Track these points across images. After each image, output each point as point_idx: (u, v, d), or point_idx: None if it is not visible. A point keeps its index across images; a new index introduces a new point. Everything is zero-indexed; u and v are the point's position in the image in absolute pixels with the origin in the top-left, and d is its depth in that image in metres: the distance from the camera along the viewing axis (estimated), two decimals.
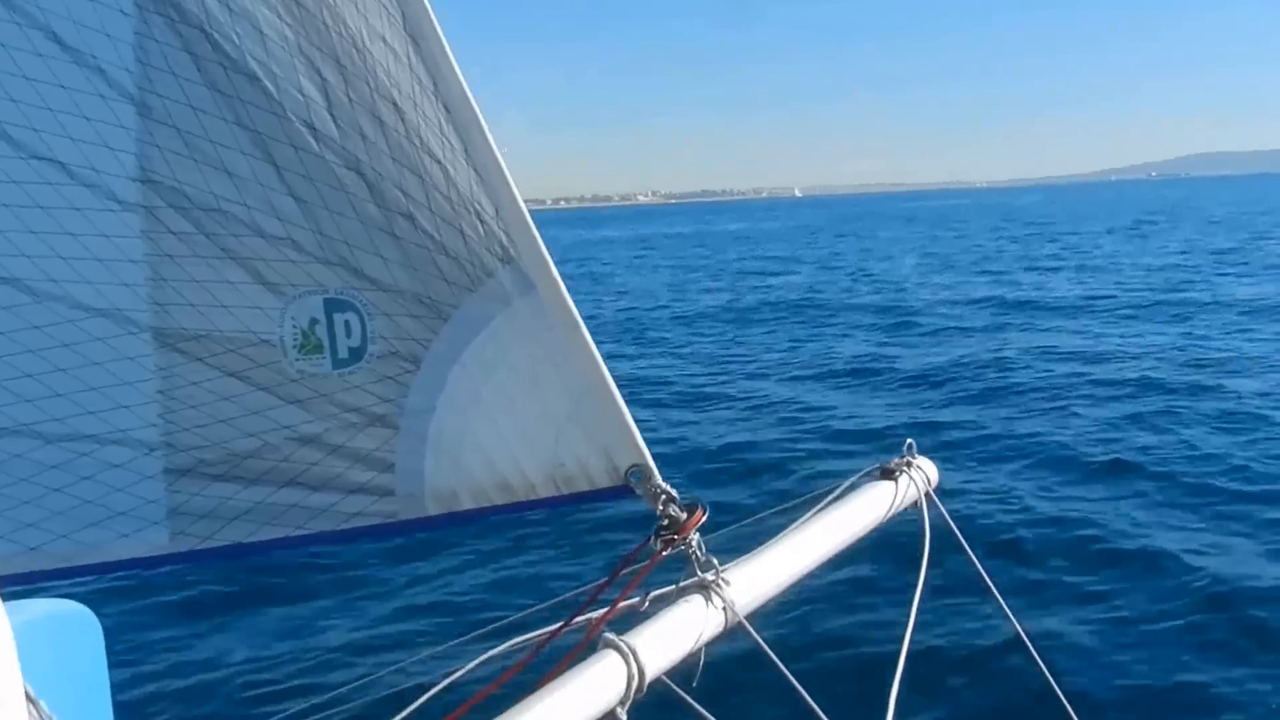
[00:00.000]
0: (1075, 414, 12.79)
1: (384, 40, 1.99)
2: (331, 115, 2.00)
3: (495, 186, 2.07)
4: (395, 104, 2.01)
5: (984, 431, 12.16)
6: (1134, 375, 14.89)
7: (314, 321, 2.08)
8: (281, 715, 2.52)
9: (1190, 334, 18.62)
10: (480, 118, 2.04)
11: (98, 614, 2.49)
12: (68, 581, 2.19)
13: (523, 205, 2.08)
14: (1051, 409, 13.18)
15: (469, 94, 2.02)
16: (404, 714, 1.94)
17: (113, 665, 2.47)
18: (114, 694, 2.45)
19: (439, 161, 2.04)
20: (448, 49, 2.01)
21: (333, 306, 2.08)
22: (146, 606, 7.76)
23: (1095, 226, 63.57)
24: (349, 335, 2.09)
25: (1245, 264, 32.58)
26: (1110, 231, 55.64)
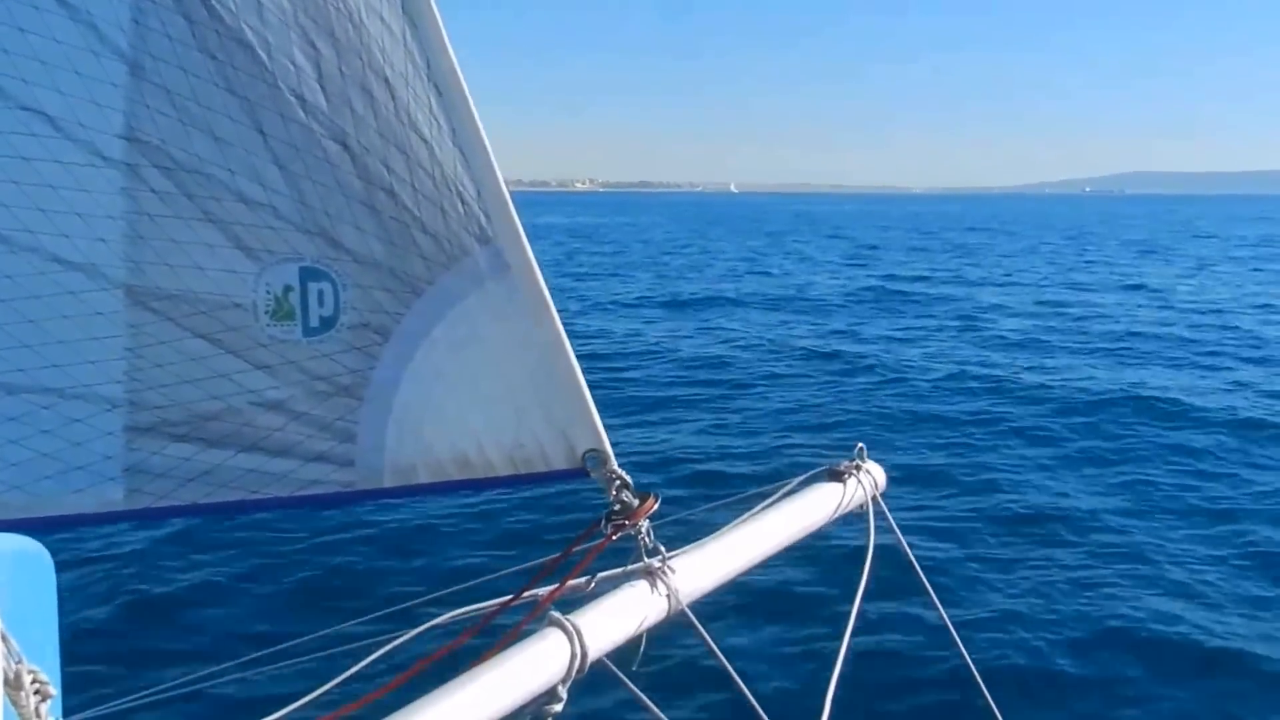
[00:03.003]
0: (1016, 426, 13.04)
1: (381, 18, 2.03)
2: (322, 87, 2.03)
3: (479, 169, 2.10)
4: (387, 81, 2.04)
5: (929, 439, 12.37)
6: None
7: (288, 289, 2.10)
8: (217, 667, 2.53)
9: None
10: (470, 101, 2.07)
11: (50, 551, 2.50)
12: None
13: (505, 189, 2.12)
14: (993, 418, 13.45)
15: (461, 77, 2.06)
16: (344, 676, 1.98)
17: (62, 602, 2.48)
18: (62, 631, 2.46)
19: (425, 140, 2.07)
20: (444, 32, 2.04)
21: (308, 275, 2.10)
22: (98, 545, 7.73)
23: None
24: (322, 304, 2.12)
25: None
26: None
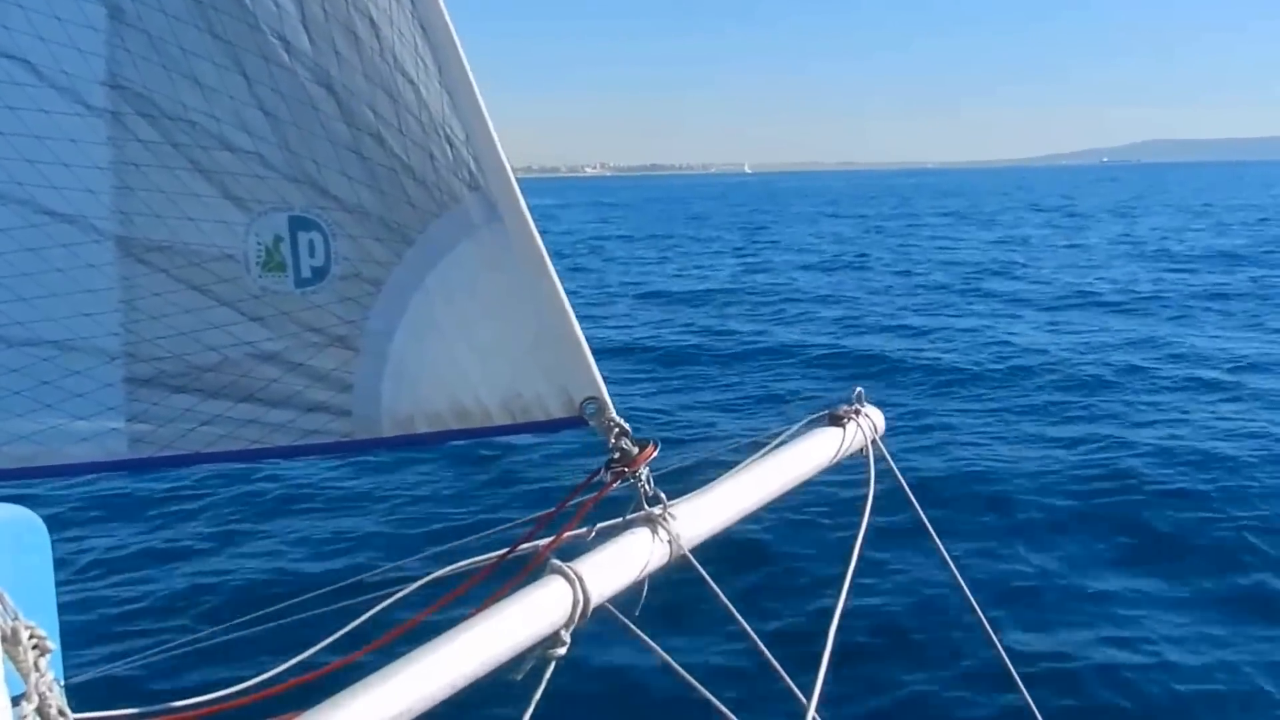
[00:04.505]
0: (1021, 372, 13.08)
1: None
2: (305, 29, 1.98)
3: (466, 110, 2.06)
4: (371, 19, 1.99)
5: (929, 382, 12.41)
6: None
7: (278, 239, 2.08)
8: (221, 627, 2.55)
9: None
10: (456, 39, 2.01)
11: (45, 520, 2.50)
12: (24, 483, 2.21)
13: (493, 131, 2.07)
14: (997, 367, 13.48)
15: (446, 14, 2.00)
16: (347, 629, 1.99)
17: (58, 573, 2.49)
18: (59, 601, 2.47)
19: (412, 82, 2.02)
20: None
21: (297, 225, 2.07)
22: (94, 516, 7.78)
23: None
24: (312, 255, 2.09)
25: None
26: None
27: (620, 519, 2.07)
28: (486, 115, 2.06)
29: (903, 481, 2.56)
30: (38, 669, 1.31)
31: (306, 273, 2.10)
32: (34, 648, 1.32)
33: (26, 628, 1.33)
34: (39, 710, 1.27)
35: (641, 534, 1.98)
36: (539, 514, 2.24)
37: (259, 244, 2.07)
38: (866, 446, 2.55)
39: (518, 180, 2.10)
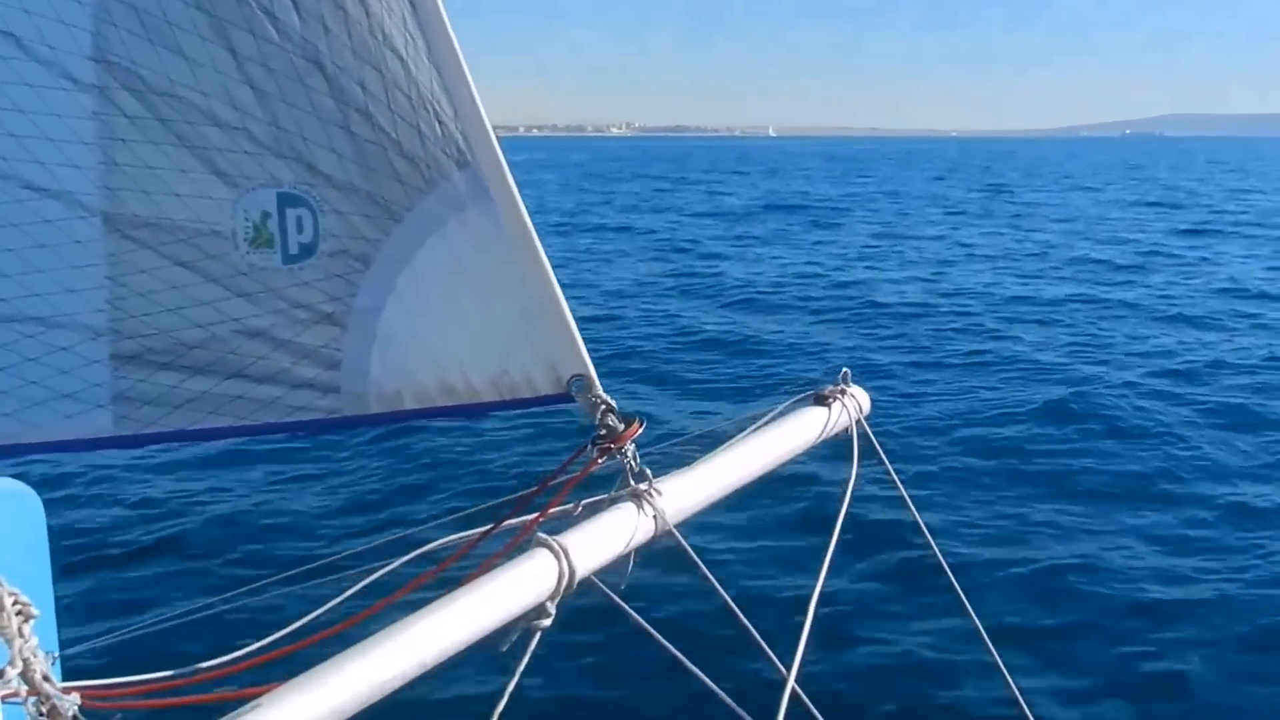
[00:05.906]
0: (1012, 351, 13.14)
1: None
2: (294, 4, 1.97)
3: (455, 87, 2.06)
4: None
5: (916, 363, 12.46)
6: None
7: (266, 215, 2.07)
8: (207, 600, 2.57)
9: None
10: (444, 15, 2.01)
11: (41, 492, 2.50)
12: (12, 461, 2.21)
13: (482, 108, 2.07)
14: (987, 348, 13.53)
15: None
16: (335, 601, 2.00)
17: (53, 546, 2.50)
18: (54, 573, 2.47)
19: (401, 58, 2.02)
20: None
21: (285, 201, 2.07)
22: (88, 489, 7.77)
23: None
24: (300, 231, 2.09)
25: None
26: None
27: (606, 495, 2.09)
28: (475, 93, 2.06)
29: (886, 461, 2.59)
30: (21, 635, 1.32)
31: (295, 249, 2.09)
32: (18, 613, 1.33)
33: (10, 594, 1.33)
34: (23, 676, 1.28)
35: (627, 509, 2.00)
36: (526, 490, 2.26)
37: (247, 220, 2.06)
38: (851, 426, 2.57)
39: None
